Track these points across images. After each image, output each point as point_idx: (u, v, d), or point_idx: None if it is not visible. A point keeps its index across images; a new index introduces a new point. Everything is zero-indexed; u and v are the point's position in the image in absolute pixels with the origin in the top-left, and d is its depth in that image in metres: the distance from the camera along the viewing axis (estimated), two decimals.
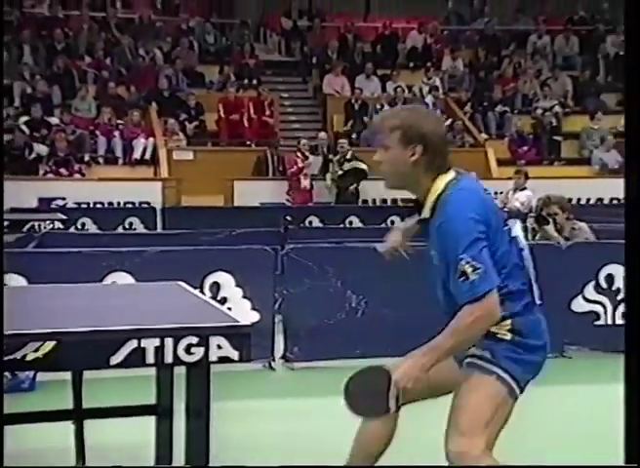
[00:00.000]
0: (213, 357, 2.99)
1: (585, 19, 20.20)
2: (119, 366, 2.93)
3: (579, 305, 6.63)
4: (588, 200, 15.26)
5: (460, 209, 3.00)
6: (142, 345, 2.92)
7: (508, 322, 3.09)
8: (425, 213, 3.13)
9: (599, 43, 19.56)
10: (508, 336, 3.09)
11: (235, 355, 3.01)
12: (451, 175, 3.13)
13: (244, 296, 6.20)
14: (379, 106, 17.52)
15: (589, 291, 6.67)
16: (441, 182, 3.10)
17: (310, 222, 12.43)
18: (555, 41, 19.69)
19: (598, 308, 6.66)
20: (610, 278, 6.65)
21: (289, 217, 11.53)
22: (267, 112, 17.12)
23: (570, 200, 13.11)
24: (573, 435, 4.76)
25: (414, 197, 3.23)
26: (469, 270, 2.92)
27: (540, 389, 5.80)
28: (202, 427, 3.10)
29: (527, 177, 12.83)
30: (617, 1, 20.07)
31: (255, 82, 17.77)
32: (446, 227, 3.00)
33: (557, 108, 17.93)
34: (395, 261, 6.36)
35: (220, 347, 2.99)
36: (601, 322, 6.64)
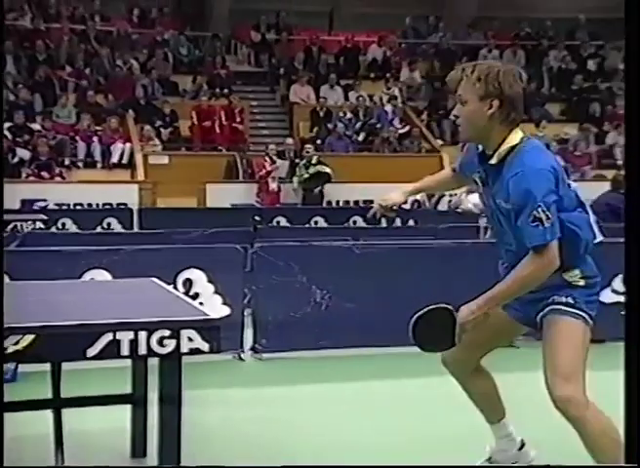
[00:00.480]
0: (184, 349, 2.96)
1: (531, 35, 20.35)
2: (96, 358, 2.89)
3: None
4: None
5: (539, 161, 3.05)
6: (118, 338, 2.89)
7: (577, 271, 3.16)
8: (494, 159, 3.13)
9: (543, 57, 19.74)
10: (582, 283, 3.17)
11: (205, 347, 2.99)
12: (521, 132, 3.15)
13: (215, 292, 6.14)
14: (342, 114, 17.55)
15: None
16: (516, 136, 3.12)
17: (278, 222, 12.36)
18: (503, 55, 19.81)
19: None
20: None
21: (257, 218, 11.49)
22: (238, 119, 17.06)
23: None
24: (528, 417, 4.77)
25: (482, 148, 3.22)
26: (544, 217, 2.97)
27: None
28: (174, 414, 3.07)
29: None
30: (559, 19, 20.29)
31: (226, 91, 17.66)
32: (525, 176, 3.01)
33: None
34: (358, 258, 6.37)
35: (190, 339, 2.96)
36: None
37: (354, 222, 12.51)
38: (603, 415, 3.10)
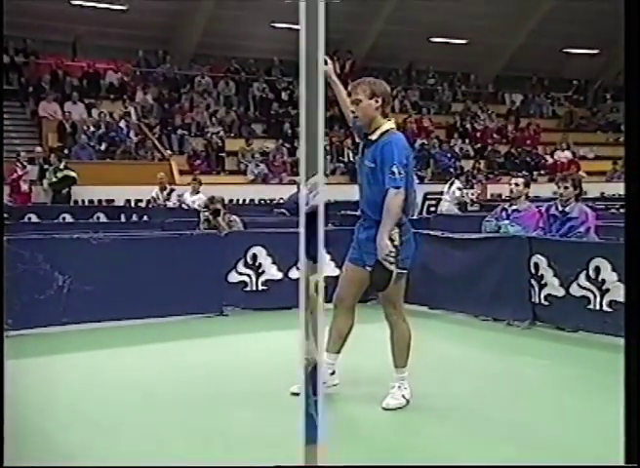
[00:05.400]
0: None
1: (238, 70, 20.63)
2: None
3: (233, 277, 6.49)
4: (244, 200, 15.64)
5: (402, 141, 3.79)
6: None
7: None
8: (374, 136, 3.78)
9: (248, 87, 20.15)
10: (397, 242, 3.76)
11: None
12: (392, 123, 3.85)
13: None
14: (85, 128, 16.64)
15: (240, 266, 6.52)
16: (388, 124, 3.81)
17: (30, 218, 11.47)
18: (219, 84, 19.93)
19: (247, 279, 6.54)
20: (254, 256, 6.56)
21: (7, 215, 10.54)
22: None
23: (231, 200, 13.30)
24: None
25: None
26: (397, 172, 3.69)
27: (204, 340, 5.81)
28: None
29: (201, 184, 12.85)
30: (259, 59, 20.77)
31: None
32: (391, 144, 3.73)
33: (222, 133, 18.17)
34: (95, 248, 6.02)
35: None
36: (248, 288, 6.53)
37: (97, 218, 11.94)
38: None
